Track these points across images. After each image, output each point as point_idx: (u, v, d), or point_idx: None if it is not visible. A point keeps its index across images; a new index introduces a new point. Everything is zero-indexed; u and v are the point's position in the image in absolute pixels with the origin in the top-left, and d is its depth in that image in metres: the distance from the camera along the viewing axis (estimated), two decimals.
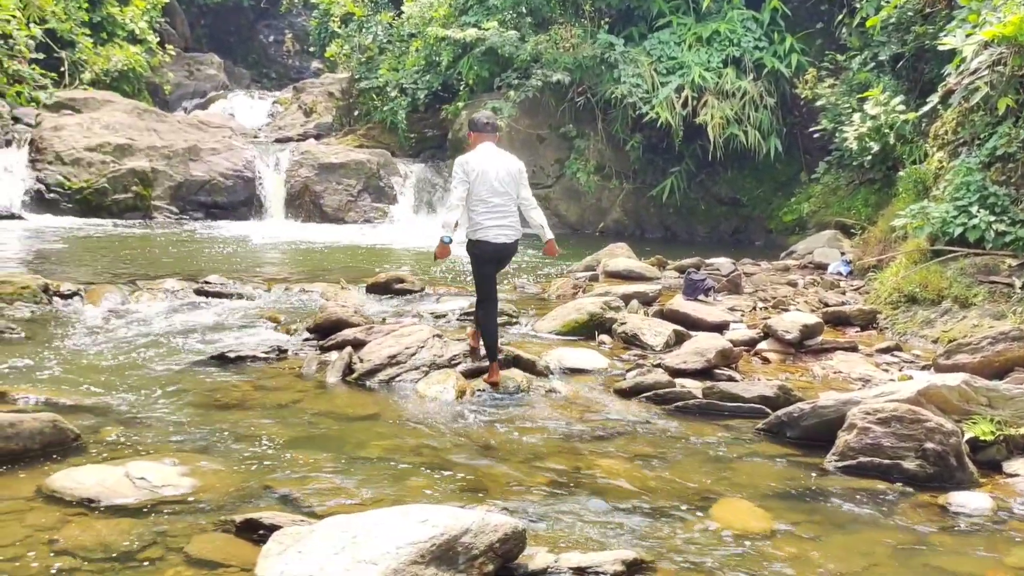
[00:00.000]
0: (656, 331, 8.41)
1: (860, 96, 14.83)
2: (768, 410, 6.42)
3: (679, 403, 6.64)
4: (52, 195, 16.57)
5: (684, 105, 17.39)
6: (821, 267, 12.78)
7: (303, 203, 18.37)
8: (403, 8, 21.73)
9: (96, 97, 18.86)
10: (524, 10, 19.75)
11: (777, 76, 17.72)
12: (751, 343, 8.44)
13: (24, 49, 11.64)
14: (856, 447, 5.44)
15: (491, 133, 7.25)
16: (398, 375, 7.01)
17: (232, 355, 7.43)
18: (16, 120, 19.98)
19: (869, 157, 14.35)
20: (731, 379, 7.27)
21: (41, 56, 20.20)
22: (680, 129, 17.42)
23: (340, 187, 18.47)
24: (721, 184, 19.42)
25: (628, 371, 7.49)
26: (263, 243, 15.37)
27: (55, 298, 9.39)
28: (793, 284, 11.73)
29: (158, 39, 27.45)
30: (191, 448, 5.29)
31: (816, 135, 16.25)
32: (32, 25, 11.30)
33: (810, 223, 16.50)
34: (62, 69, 24.22)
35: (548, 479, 5.10)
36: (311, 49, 29.99)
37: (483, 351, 7.27)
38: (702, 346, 7.61)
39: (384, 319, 9.01)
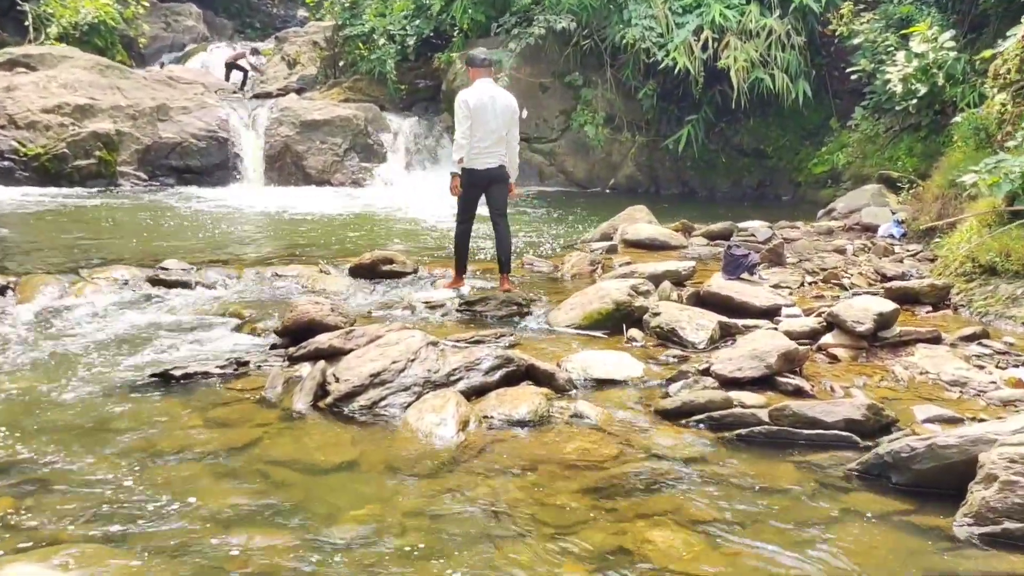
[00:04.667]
0: (697, 324, 6.94)
1: (902, 33, 13.22)
2: (856, 438, 5.00)
3: (741, 431, 5.19)
4: (5, 163, 15.04)
5: (704, 48, 15.73)
6: (870, 229, 11.27)
7: (284, 165, 16.81)
8: None
9: (53, 53, 17.22)
10: None
11: (805, 12, 16.01)
12: (812, 335, 6.97)
13: None
14: (999, 507, 3.99)
15: (488, 68, 8.12)
16: (383, 399, 5.54)
17: (179, 373, 5.98)
18: None
19: (915, 101, 12.77)
20: (799, 390, 5.81)
21: None
22: (700, 75, 15.77)
23: (324, 146, 16.89)
24: (743, 134, 17.79)
25: (669, 380, 6.04)
26: (238, 212, 13.87)
27: None
28: (841, 251, 10.26)
29: None
30: (101, 532, 3.87)
31: (853, 77, 14.62)
32: None
33: (844, 175, 14.96)
34: (26, 23, 22.63)
35: (586, 568, 3.68)
36: None
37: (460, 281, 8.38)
38: (760, 347, 6.12)
39: (370, 312, 7.58)
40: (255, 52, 25.39)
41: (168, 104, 16.49)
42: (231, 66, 24.59)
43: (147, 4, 26.60)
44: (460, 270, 8.38)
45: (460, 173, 7.93)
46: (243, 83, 24.15)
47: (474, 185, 8.09)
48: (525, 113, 16.85)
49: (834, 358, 6.68)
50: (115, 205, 14.01)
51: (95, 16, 23.39)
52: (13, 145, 15.08)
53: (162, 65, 25.87)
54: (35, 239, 10.96)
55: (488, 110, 7.83)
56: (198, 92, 17.70)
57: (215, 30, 31.41)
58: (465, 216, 8.28)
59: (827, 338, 6.91)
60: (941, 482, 4.40)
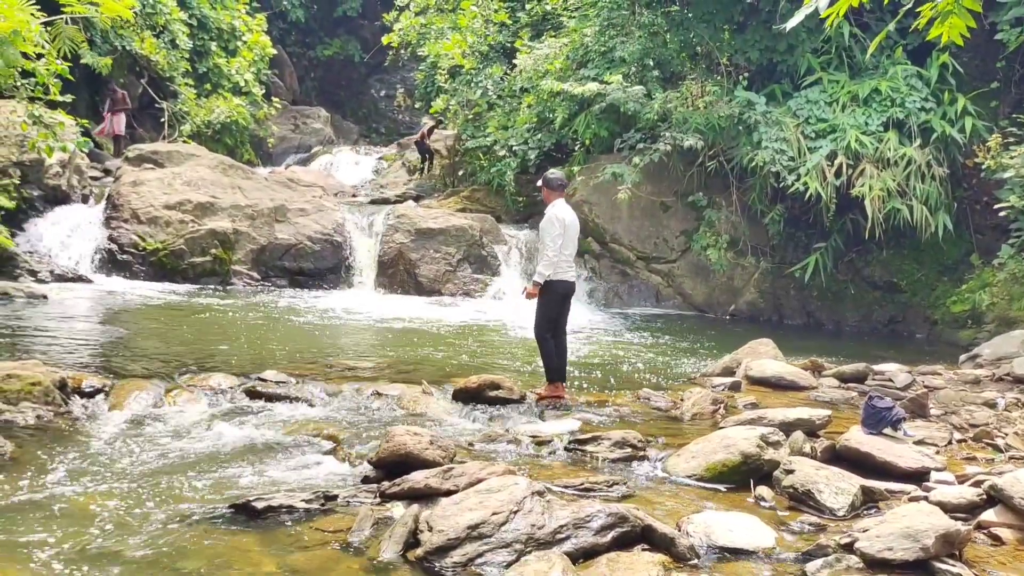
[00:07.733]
0: (837, 487, 6.14)
1: None
2: None
3: None
4: (125, 256, 15.18)
5: (837, 174, 15.02)
6: (1022, 381, 10.25)
7: (396, 272, 16.59)
8: (515, 61, 19.95)
9: (180, 151, 17.53)
10: (651, 63, 17.70)
11: (947, 142, 15.18)
12: (970, 509, 6.08)
13: (54, 90, 10.04)
14: None
15: (562, 191, 8.72)
16: (479, 556, 4.92)
17: (260, 505, 5.47)
18: (107, 172, 18.93)
19: None
20: None
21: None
22: (832, 202, 15.03)
23: (438, 255, 16.63)
24: (874, 265, 16.84)
25: (806, 555, 5.25)
26: (347, 318, 13.57)
27: (74, 396, 7.68)
28: (992, 404, 9.27)
29: (264, 91, 26.58)
30: None
31: (1001, 213, 13.68)
32: (61, 61, 9.67)
33: (987, 317, 13.89)
34: (162, 120, 23.48)
35: None
36: (418, 105, 28.62)
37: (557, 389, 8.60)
38: (915, 525, 5.29)
39: (471, 444, 7.01)
40: (440, 124, 24.95)
41: (286, 205, 16.55)
42: (423, 146, 23.89)
43: (278, 106, 27.38)
44: (551, 378, 8.63)
45: (542, 284, 8.37)
46: (426, 164, 23.81)
47: (561, 297, 8.52)
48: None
49: (997, 539, 5.78)
50: (225, 305, 13.90)
51: (228, 116, 24.12)
52: (133, 239, 15.25)
53: (287, 166, 26.37)
54: (142, 338, 10.81)
55: (573, 228, 8.51)
56: (316, 195, 17.79)
57: (341, 134, 32.14)
58: (550, 328, 8.56)
59: (988, 514, 6.00)
60: None
